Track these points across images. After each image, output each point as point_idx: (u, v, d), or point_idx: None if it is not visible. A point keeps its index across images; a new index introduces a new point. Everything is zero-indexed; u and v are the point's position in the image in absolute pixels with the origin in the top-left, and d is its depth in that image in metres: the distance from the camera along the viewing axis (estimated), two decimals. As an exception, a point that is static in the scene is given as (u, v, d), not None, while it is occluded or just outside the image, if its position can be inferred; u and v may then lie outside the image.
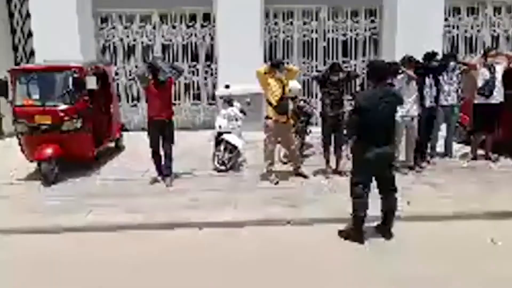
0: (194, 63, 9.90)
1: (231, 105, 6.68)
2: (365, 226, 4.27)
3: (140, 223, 4.80)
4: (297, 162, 6.27)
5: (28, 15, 9.49)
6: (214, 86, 9.82)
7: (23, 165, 6.60)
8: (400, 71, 5.94)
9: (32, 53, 9.37)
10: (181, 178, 6.27)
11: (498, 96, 6.44)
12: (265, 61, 9.19)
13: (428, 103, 6.28)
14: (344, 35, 9.80)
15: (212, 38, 9.76)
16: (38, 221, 4.90)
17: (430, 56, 6.37)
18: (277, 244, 4.31)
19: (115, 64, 9.78)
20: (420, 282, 3.57)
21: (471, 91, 6.79)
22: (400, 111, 5.66)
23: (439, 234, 4.42)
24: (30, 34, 9.49)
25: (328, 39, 9.81)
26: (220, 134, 6.54)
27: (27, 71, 6.58)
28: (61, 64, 6.53)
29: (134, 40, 9.78)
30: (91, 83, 6.56)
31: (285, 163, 6.64)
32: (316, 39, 9.81)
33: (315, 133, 7.09)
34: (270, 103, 5.83)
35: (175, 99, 9.33)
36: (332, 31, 9.79)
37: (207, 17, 9.77)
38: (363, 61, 9.74)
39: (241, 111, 6.72)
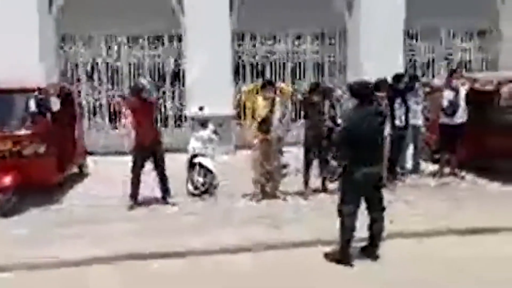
0: (160, 84, 9.72)
1: (205, 127, 6.54)
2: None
3: (114, 254, 4.47)
4: (277, 182, 6.19)
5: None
6: (181, 109, 9.67)
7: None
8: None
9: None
10: (155, 204, 5.98)
11: (461, 116, 6.75)
12: (237, 82, 9.25)
13: (398, 123, 6.47)
14: (311, 58, 10.04)
15: (178, 60, 9.64)
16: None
17: (399, 77, 6.61)
18: (260, 269, 4.17)
19: (79, 85, 9.41)
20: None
21: (436, 111, 7.09)
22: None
23: (419, 252, 4.45)
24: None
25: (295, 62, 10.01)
26: (193, 157, 6.37)
27: (-16, 93, 6.13)
28: (22, 85, 6.14)
29: (98, 60, 9.48)
30: (55, 104, 6.22)
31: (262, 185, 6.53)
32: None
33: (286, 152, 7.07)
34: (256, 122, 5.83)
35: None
36: (296, 53, 9.99)
37: (172, 38, 9.67)
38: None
39: (215, 132, 6.59)
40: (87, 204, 6.05)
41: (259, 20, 9.42)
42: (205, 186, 6.31)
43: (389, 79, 6.42)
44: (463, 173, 7.05)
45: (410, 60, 10.29)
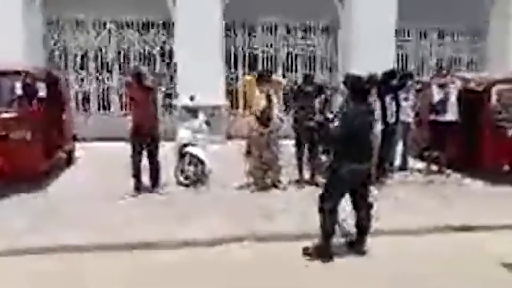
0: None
1: (196, 117, 6.47)
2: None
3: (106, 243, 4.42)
4: (277, 172, 6.18)
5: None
6: (170, 96, 9.55)
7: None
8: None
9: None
10: (145, 194, 5.90)
11: (451, 114, 6.81)
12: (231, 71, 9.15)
13: (389, 119, 6.49)
14: (302, 49, 10.01)
15: (170, 48, 9.49)
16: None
17: (391, 74, 6.62)
18: (253, 259, 4.16)
19: (66, 70, 9.20)
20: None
21: (426, 109, 7.14)
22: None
23: (406, 249, 4.49)
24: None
25: (288, 53, 9.96)
26: (184, 146, 6.30)
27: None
28: (9, 68, 5.97)
29: (86, 46, 9.28)
30: (42, 89, 6.06)
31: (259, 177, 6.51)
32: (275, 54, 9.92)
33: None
34: (253, 115, 5.78)
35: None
36: (289, 45, 9.94)
37: (162, 26, 9.51)
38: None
39: (207, 122, 6.53)
40: (75, 191, 5.94)
41: (251, 10, 9.34)
42: (196, 176, 6.27)
43: (379, 75, 6.41)
44: (448, 171, 7.14)
45: (402, 56, 10.35)
